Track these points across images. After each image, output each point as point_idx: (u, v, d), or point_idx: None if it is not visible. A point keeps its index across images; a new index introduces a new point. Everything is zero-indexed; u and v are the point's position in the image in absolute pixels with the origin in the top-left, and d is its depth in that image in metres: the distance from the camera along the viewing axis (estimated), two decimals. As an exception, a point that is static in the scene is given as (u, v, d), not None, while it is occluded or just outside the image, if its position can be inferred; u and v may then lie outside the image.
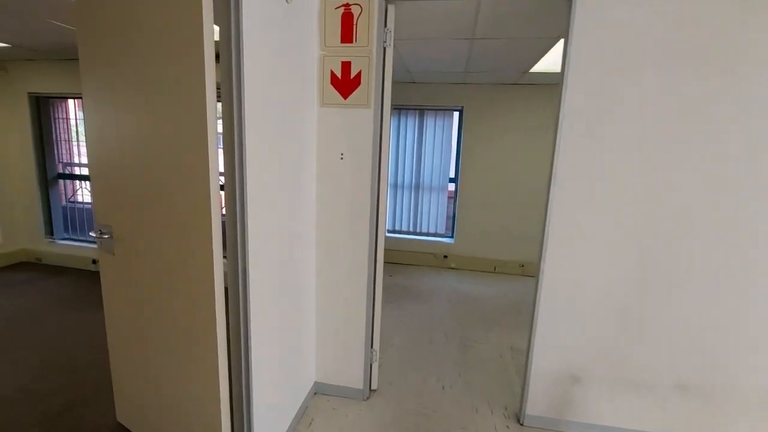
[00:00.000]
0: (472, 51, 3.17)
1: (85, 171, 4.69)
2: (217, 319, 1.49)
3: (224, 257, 1.51)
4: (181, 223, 1.50)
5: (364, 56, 1.97)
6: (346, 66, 2.00)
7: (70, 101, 4.59)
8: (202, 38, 1.27)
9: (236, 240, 1.55)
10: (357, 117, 2.05)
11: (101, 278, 1.91)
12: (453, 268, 4.90)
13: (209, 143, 1.36)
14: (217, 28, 1.41)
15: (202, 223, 1.43)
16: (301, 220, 1.99)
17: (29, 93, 4.34)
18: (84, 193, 4.82)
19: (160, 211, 1.57)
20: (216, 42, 1.35)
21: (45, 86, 4.29)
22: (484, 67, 3.70)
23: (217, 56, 1.36)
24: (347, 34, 1.97)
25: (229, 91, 1.45)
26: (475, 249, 4.83)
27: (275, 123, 1.70)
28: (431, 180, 4.83)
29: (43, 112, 4.48)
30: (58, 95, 4.35)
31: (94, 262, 4.45)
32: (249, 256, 1.57)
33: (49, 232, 4.63)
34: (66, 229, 4.74)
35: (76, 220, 4.76)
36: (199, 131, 1.36)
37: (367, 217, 2.08)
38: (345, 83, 2.01)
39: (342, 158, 2.11)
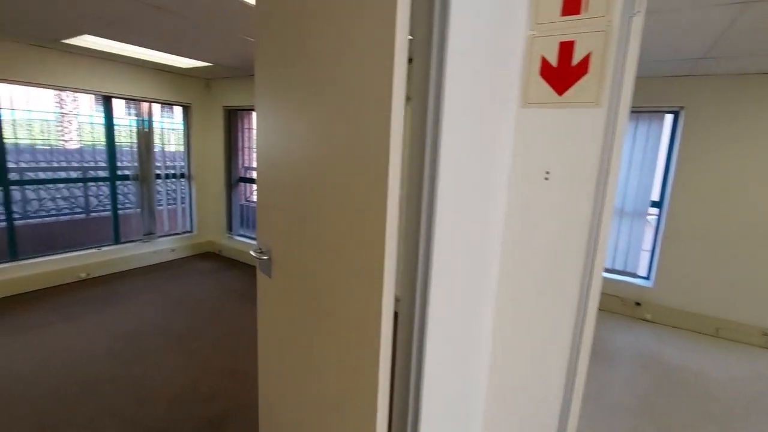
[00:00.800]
0: (738, 22, 2.19)
1: (260, 175, 5.16)
2: (380, 380, 1.10)
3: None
4: (349, 252, 1.17)
5: (597, 31, 1.35)
6: (566, 48, 1.41)
7: (254, 113, 5.11)
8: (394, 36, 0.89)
9: (415, 277, 1.14)
10: (577, 120, 1.43)
11: (257, 299, 1.76)
12: (648, 321, 3.73)
13: (391, 162, 0.97)
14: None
15: (373, 255, 1.06)
16: (482, 256, 1.48)
17: (224, 106, 4.95)
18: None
19: (327, 237, 1.26)
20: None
21: (236, 100, 4.83)
22: (740, 47, 2.60)
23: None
24: (573, 1, 1.37)
25: (424, 97, 1.04)
26: (684, 299, 3.58)
27: (467, 135, 1.24)
28: (624, 202, 3.79)
29: (233, 123, 5.08)
30: (245, 107, 4.86)
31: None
32: (430, 301, 1.14)
33: (229, 228, 5.23)
34: (241, 226, 5.29)
35: (249, 219, 5.28)
36: (381, 148, 0.99)
37: (579, 260, 1.45)
38: (563, 73, 1.42)
39: (547, 178, 1.51)
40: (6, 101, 3.70)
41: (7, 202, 3.79)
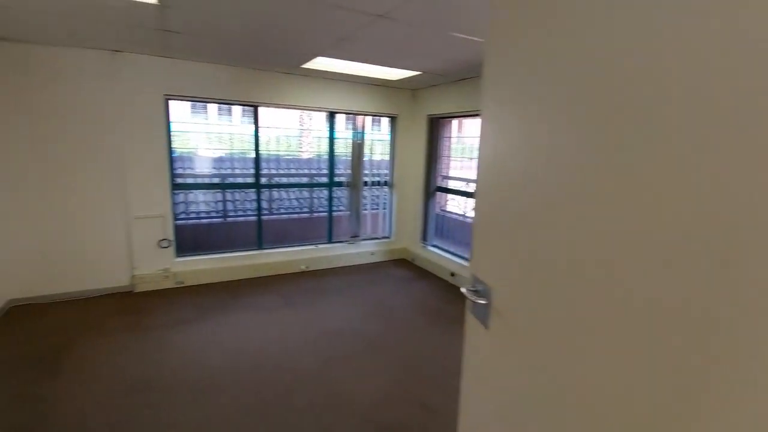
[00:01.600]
0: None
1: (456, 185, 4.94)
2: None
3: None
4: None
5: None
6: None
7: (454, 121, 4.93)
8: None
9: None
10: None
11: (464, 352, 1.41)
12: None
13: None
14: None
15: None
16: None
17: (428, 115, 4.94)
18: (453, 205, 5.12)
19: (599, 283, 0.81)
20: None
21: (439, 108, 4.74)
22: None
23: None
24: None
25: None
26: None
27: None
28: None
29: (434, 132, 5.02)
30: (447, 115, 4.72)
31: (452, 275, 4.59)
32: None
33: (423, 237, 5.21)
34: (436, 237, 5.20)
35: (444, 230, 5.13)
36: None
37: None
38: None
39: None
40: (263, 120, 4.56)
41: (259, 202, 4.67)
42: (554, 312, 0.95)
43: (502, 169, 1.16)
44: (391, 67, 3.80)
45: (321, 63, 3.76)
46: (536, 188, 1.00)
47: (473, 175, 4.48)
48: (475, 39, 2.78)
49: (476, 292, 1.28)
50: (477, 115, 4.28)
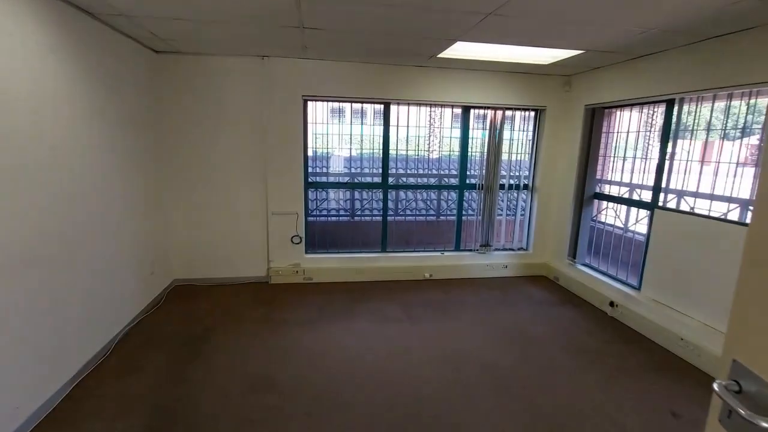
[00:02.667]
0: None
1: (616, 191, 3.94)
2: None
3: None
4: None
5: None
6: None
7: (619, 112, 3.95)
8: None
9: None
10: None
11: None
12: None
13: None
14: None
15: None
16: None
17: (586, 105, 4.06)
18: (611, 216, 4.13)
19: None
20: None
21: (602, 96, 3.84)
22: None
23: None
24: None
25: None
26: None
27: None
28: None
29: (595, 126, 4.11)
30: (614, 104, 3.78)
31: (613, 305, 3.64)
32: None
33: (572, 254, 4.33)
34: (588, 254, 4.28)
35: (601, 246, 4.18)
36: None
37: None
38: None
39: None
40: (393, 119, 4.34)
41: (385, 202, 4.49)
42: None
43: None
44: (544, 47, 3.15)
45: (459, 50, 3.33)
46: None
47: (646, 181, 3.46)
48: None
49: (744, 395, 0.70)
50: (655, 102, 3.26)
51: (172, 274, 4.07)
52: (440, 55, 3.53)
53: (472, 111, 4.40)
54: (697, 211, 3.09)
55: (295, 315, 3.46)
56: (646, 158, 3.70)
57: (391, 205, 5.77)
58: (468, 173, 4.59)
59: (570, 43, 3.06)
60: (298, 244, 4.23)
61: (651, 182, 3.40)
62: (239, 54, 3.74)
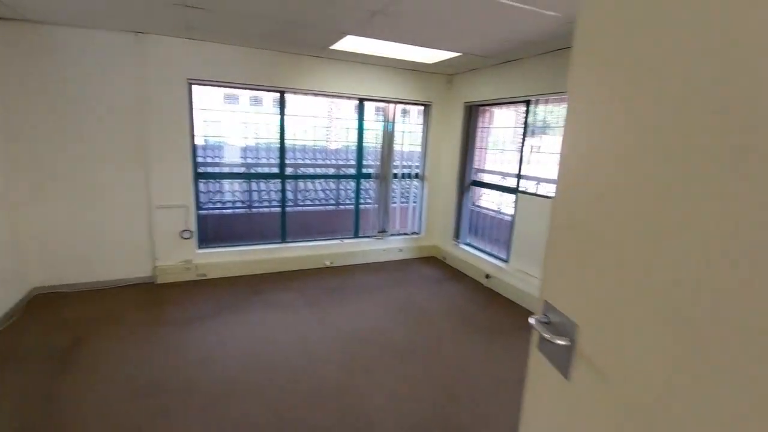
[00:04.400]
0: None
1: (493, 179, 4.55)
2: None
3: None
4: None
5: None
6: None
7: (496, 109, 4.52)
8: None
9: None
10: None
11: (525, 398, 1.10)
12: None
13: None
14: None
15: None
16: None
17: (465, 102, 4.55)
18: (488, 201, 4.74)
19: None
20: None
21: (478, 94, 4.35)
22: None
23: None
24: None
25: None
26: None
27: None
28: None
29: (473, 121, 4.63)
30: (486, 102, 4.32)
31: (488, 276, 4.23)
32: None
33: (456, 235, 4.86)
34: (469, 234, 4.84)
35: (478, 227, 4.76)
36: None
37: None
38: None
39: None
40: (291, 109, 4.31)
41: (283, 192, 4.45)
42: (689, 372, 0.62)
43: (593, 166, 0.83)
44: (428, 47, 3.45)
45: (351, 44, 3.46)
46: (660, 190, 0.67)
47: (512, 169, 4.10)
48: (534, 9, 2.39)
49: (550, 326, 0.97)
50: (518, 102, 3.87)
51: (30, 281, 3.49)
52: (334, 47, 3.62)
53: (368, 103, 4.59)
54: (545, 193, 3.74)
55: (187, 314, 3.28)
56: (515, 150, 4.32)
57: (290, 195, 5.72)
58: (364, 163, 4.79)
59: (449, 46, 3.41)
60: (188, 239, 3.97)
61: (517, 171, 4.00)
62: (108, 28, 3.32)
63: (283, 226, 4.50)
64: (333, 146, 7.84)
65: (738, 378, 0.56)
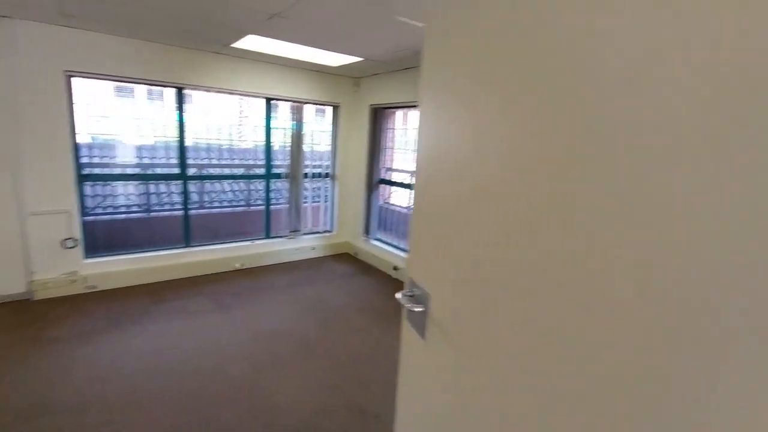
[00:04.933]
0: None
1: (399, 177, 4.85)
2: None
3: None
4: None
5: None
6: None
7: (398, 112, 4.82)
8: None
9: None
10: None
11: (400, 363, 1.29)
12: None
13: None
14: None
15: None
16: None
17: (371, 105, 4.77)
18: (397, 197, 5.03)
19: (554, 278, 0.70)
20: None
21: (383, 97, 4.60)
22: None
23: None
24: None
25: None
26: None
27: None
28: None
29: (379, 122, 4.87)
30: (391, 105, 4.59)
31: (395, 269, 4.51)
32: None
33: (366, 231, 5.07)
34: (379, 230, 5.08)
35: (387, 223, 5.03)
36: None
37: None
38: None
39: None
40: (195, 106, 4.12)
41: (185, 195, 4.24)
42: (498, 329, 0.84)
43: (438, 162, 1.03)
44: (330, 51, 3.58)
45: (254, 43, 3.44)
46: (476, 183, 0.89)
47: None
48: (420, 24, 2.65)
49: (413, 298, 1.16)
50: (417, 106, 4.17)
51: None
52: (237, 46, 3.57)
53: (277, 103, 4.57)
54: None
55: (75, 329, 3.00)
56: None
57: (196, 197, 5.45)
58: (274, 163, 4.77)
59: (350, 51, 3.58)
60: (73, 248, 3.59)
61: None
62: (-43, 9, 2.88)
63: (187, 230, 4.29)
64: (244, 145, 7.59)
65: (538, 331, 0.79)
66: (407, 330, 1.21)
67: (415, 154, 1.17)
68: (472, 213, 0.90)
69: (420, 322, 1.12)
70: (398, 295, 1.17)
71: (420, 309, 1.10)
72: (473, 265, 0.90)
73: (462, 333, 0.95)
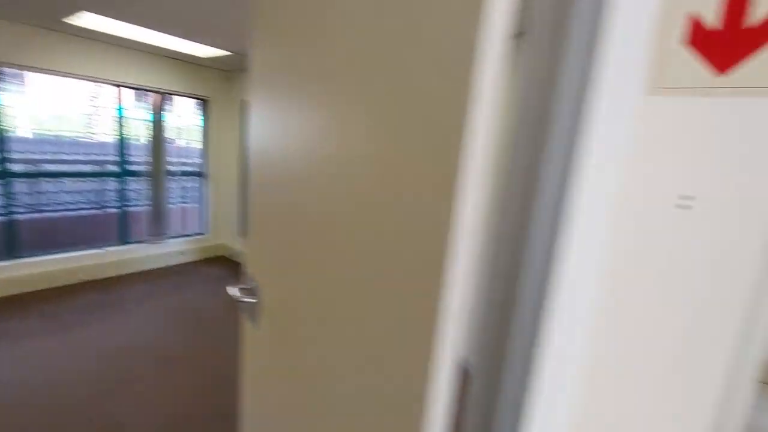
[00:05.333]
0: None
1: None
2: None
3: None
4: (388, 293, 0.69)
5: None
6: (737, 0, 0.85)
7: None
8: None
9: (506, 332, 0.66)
10: (752, 115, 0.87)
11: (243, 355, 1.30)
12: None
13: (470, 148, 0.49)
14: None
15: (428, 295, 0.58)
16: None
17: (242, 100, 4.59)
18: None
19: (353, 270, 0.80)
20: None
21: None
22: None
23: None
24: None
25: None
26: None
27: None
28: None
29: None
30: (265, 102, 4.47)
31: (273, 269, 4.41)
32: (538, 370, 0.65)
33: (243, 231, 4.86)
34: (257, 231, 4.91)
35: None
36: (454, 120, 0.51)
37: (734, 324, 0.90)
38: (730, 38, 0.87)
39: (685, 206, 0.96)
40: (37, 90, 3.44)
41: (7, 196, 3.52)
42: (306, 310, 0.91)
43: (264, 161, 1.07)
44: (188, 40, 3.35)
45: (97, 22, 3.03)
46: (288, 182, 0.95)
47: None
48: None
49: (248, 290, 1.18)
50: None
51: None
52: (72, 22, 3.09)
53: (141, 94, 4.08)
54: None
55: None
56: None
57: (28, 199, 4.57)
58: (131, 160, 4.25)
59: (215, 43, 3.40)
60: None
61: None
62: None
63: (10, 239, 3.57)
64: (100, 139, 6.57)
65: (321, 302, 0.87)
66: (245, 321, 1.22)
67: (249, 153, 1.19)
68: (289, 209, 0.96)
69: (254, 313, 1.15)
70: (231, 290, 1.18)
71: (253, 300, 1.13)
72: (286, 253, 0.97)
73: (284, 320, 1.00)
